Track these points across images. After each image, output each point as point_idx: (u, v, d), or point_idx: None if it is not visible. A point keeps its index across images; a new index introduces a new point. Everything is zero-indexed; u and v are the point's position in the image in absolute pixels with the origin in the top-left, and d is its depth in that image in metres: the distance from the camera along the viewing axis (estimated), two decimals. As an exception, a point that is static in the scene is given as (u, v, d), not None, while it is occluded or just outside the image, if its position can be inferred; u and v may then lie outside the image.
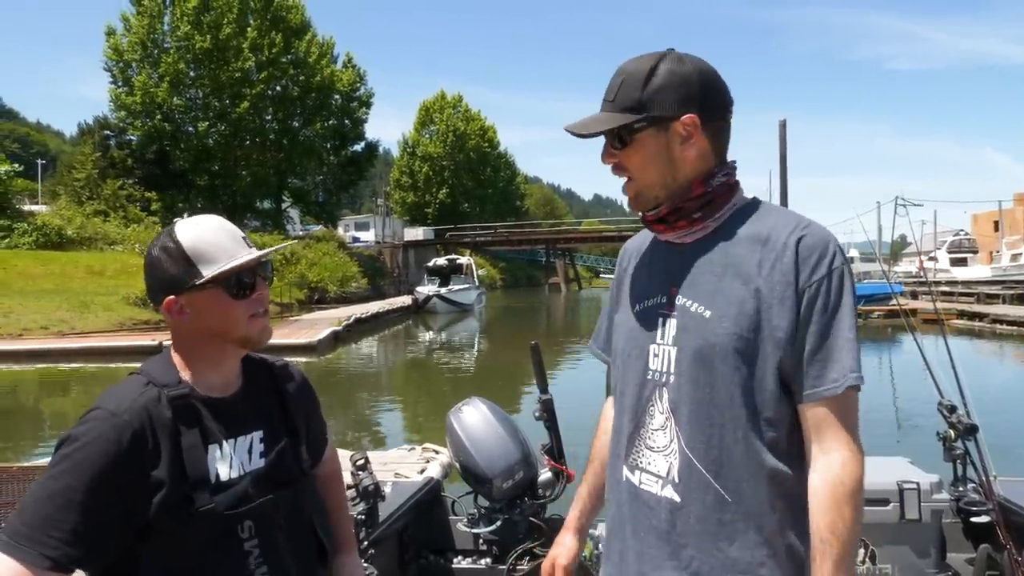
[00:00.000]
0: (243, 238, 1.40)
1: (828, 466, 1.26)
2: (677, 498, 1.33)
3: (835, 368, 1.27)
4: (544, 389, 3.11)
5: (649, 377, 1.39)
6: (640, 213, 1.44)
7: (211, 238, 1.36)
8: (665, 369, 1.36)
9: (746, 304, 1.29)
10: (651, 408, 1.38)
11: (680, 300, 1.36)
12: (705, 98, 1.35)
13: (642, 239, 1.57)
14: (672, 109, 1.33)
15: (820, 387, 1.27)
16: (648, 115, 1.32)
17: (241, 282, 1.37)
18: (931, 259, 46.13)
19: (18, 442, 10.12)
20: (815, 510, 1.26)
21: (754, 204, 1.41)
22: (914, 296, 27.14)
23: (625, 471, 1.43)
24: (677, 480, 1.34)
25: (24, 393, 15.04)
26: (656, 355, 1.38)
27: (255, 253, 1.39)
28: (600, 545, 2.86)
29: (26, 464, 6.48)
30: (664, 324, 1.38)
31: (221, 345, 1.39)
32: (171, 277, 1.34)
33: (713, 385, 1.30)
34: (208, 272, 1.33)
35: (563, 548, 1.63)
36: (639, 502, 1.39)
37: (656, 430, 1.37)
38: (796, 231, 1.31)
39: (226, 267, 1.34)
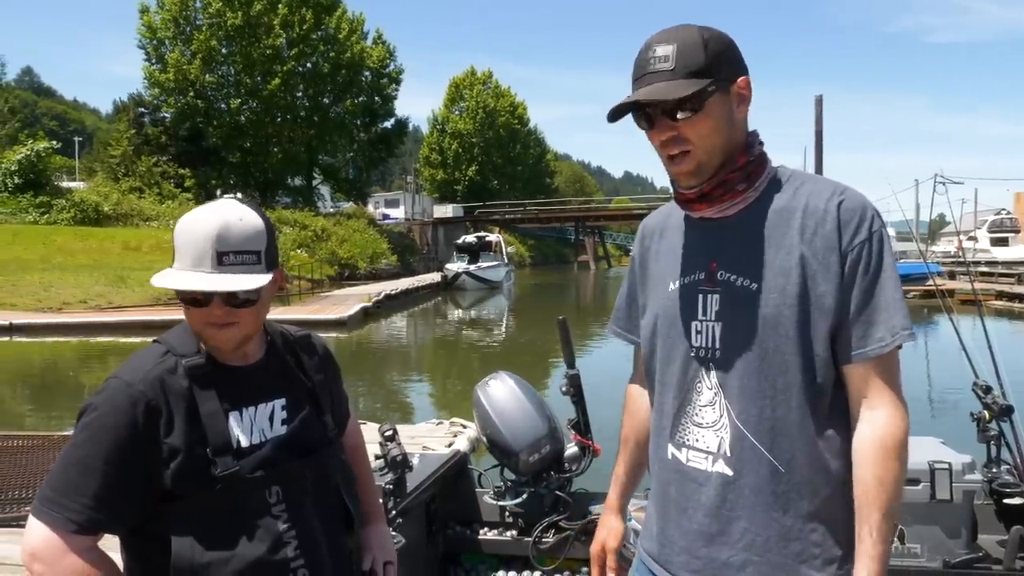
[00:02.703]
0: (223, 254, 1.30)
1: (874, 421, 1.29)
2: (730, 472, 1.34)
3: (881, 327, 1.28)
4: (571, 364, 3.10)
5: (693, 354, 1.38)
6: (676, 191, 1.41)
7: (187, 238, 1.31)
8: (710, 345, 1.36)
9: (792, 273, 1.29)
10: (698, 385, 1.38)
11: (722, 275, 1.36)
12: (743, 61, 1.37)
13: (661, 218, 1.55)
14: (730, 72, 1.33)
15: (867, 347, 1.28)
16: (717, 78, 1.30)
17: (186, 294, 1.32)
18: (971, 239, 45.08)
19: (59, 412, 10.47)
20: (861, 463, 1.29)
21: (785, 172, 1.41)
22: (951, 276, 26.58)
23: (671, 449, 1.42)
24: (729, 454, 1.34)
25: (64, 365, 15.44)
26: (699, 332, 1.37)
27: (197, 287, 1.29)
28: (632, 520, 2.87)
29: (66, 433, 6.69)
30: (705, 300, 1.37)
31: None
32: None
33: (764, 357, 1.31)
34: (173, 264, 1.33)
35: (610, 530, 1.67)
36: (687, 479, 1.39)
37: (704, 406, 1.37)
38: (834, 196, 1.32)
39: (165, 279, 1.31)
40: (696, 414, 1.38)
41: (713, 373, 1.36)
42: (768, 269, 1.31)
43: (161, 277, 1.32)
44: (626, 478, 1.67)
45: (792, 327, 1.29)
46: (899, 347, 1.30)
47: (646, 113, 1.33)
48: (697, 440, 1.38)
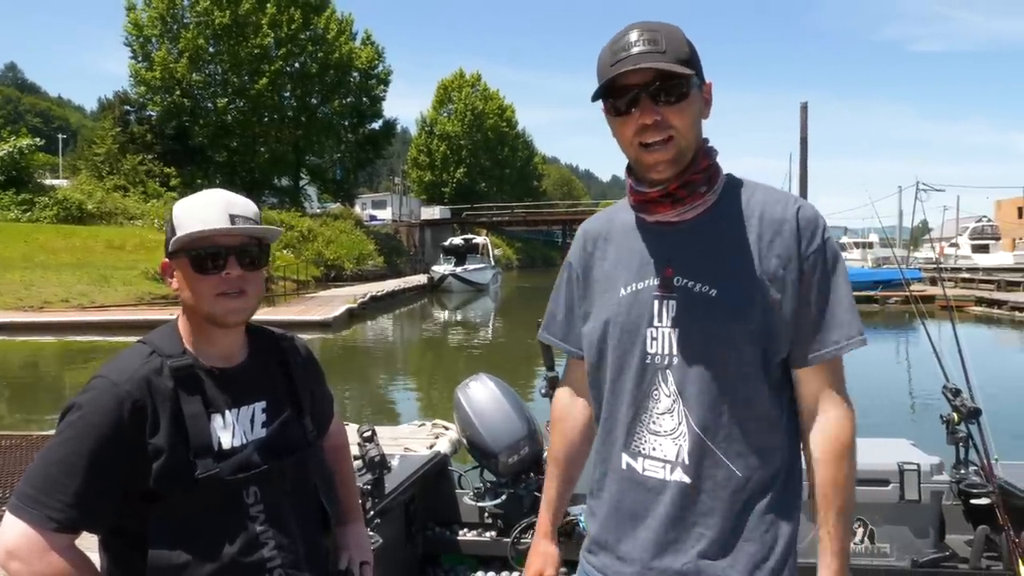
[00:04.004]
0: (235, 216, 1.36)
1: (826, 424, 1.33)
2: (687, 479, 1.32)
3: (835, 332, 1.31)
4: (551, 367, 3.14)
5: (649, 361, 1.35)
6: (637, 193, 1.38)
7: (194, 208, 1.37)
8: (667, 352, 1.33)
9: (752, 280, 1.30)
10: (654, 392, 1.35)
11: (680, 281, 1.34)
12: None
13: (603, 223, 1.50)
14: (702, 74, 1.34)
15: (823, 350, 1.32)
16: (698, 74, 1.31)
17: (204, 256, 1.35)
18: (952, 245, 45.56)
19: (38, 412, 10.38)
20: (817, 465, 1.33)
21: (736, 179, 1.42)
22: (933, 282, 26.83)
23: (625, 458, 1.39)
24: (687, 462, 1.32)
25: (44, 365, 15.29)
26: (655, 338, 1.34)
27: (220, 227, 1.34)
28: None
29: (46, 432, 6.64)
30: (661, 306, 1.34)
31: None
32: (166, 241, 1.39)
33: (724, 363, 1.30)
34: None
35: (546, 557, 1.59)
36: (642, 489, 1.37)
37: (662, 414, 1.34)
38: (790, 205, 1.34)
39: (182, 234, 1.34)
40: (653, 422, 1.35)
41: (671, 380, 1.33)
42: (727, 276, 1.31)
43: (179, 236, 1.34)
44: (558, 501, 1.61)
45: (752, 333, 1.29)
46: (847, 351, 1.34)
47: (626, 97, 1.28)
48: (654, 449, 1.35)
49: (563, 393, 1.63)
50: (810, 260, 1.31)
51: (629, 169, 1.41)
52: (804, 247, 1.31)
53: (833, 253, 1.33)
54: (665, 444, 1.35)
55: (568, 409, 1.60)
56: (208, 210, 1.36)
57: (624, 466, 1.40)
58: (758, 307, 1.30)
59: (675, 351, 1.33)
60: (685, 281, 1.34)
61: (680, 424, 1.33)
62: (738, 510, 1.32)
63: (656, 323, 1.35)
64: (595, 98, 1.33)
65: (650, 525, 1.36)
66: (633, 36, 1.28)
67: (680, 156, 1.31)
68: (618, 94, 1.30)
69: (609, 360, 1.41)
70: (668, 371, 1.34)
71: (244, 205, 1.40)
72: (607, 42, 1.33)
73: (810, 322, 1.31)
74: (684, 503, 1.33)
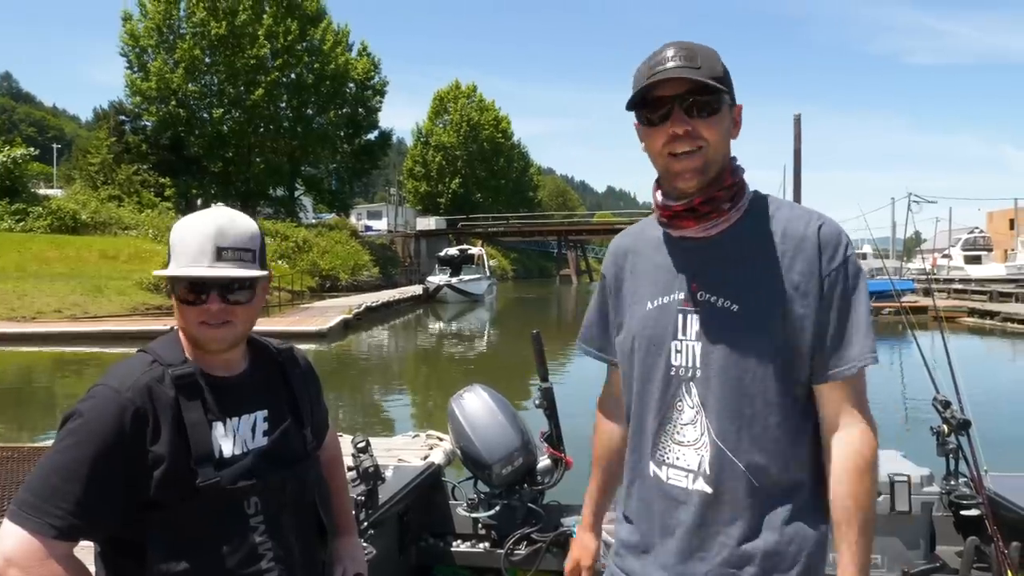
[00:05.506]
0: (223, 249, 1.35)
1: (846, 439, 1.34)
2: (709, 489, 1.36)
3: (853, 349, 1.33)
4: (544, 378, 3.15)
5: (673, 373, 1.40)
6: (663, 207, 1.42)
7: (185, 237, 1.37)
8: (690, 364, 1.38)
9: (773, 295, 1.33)
10: (678, 403, 1.39)
11: (703, 295, 1.38)
12: None
13: (634, 238, 1.56)
14: (734, 96, 1.38)
15: (840, 367, 1.33)
16: (730, 93, 1.35)
17: (185, 289, 1.37)
18: (945, 256, 45.79)
19: (30, 423, 10.30)
20: (837, 480, 1.33)
21: (762, 196, 1.45)
22: (926, 293, 26.95)
23: (652, 467, 1.44)
24: (708, 472, 1.36)
25: (37, 375, 15.22)
26: (679, 351, 1.39)
27: (196, 273, 1.34)
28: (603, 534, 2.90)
29: (37, 444, 6.60)
30: (685, 320, 1.39)
31: None
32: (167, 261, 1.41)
33: (743, 377, 1.33)
34: (169, 266, 1.37)
35: (585, 549, 1.70)
36: (667, 498, 1.41)
37: (685, 425, 1.39)
38: (813, 222, 1.37)
39: (167, 272, 1.36)
40: (677, 432, 1.40)
41: (695, 392, 1.37)
42: (749, 291, 1.35)
43: (162, 271, 1.36)
44: (599, 495, 1.71)
45: (772, 348, 1.32)
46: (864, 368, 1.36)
47: (660, 109, 1.33)
48: (678, 458, 1.40)
49: (604, 400, 1.70)
50: (831, 277, 1.33)
51: (657, 183, 1.45)
52: (825, 264, 1.33)
53: (855, 271, 1.35)
54: (688, 454, 1.39)
55: (607, 418, 1.69)
56: (196, 244, 1.35)
57: (651, 474, 1.44)
58: (779, 323, 1.33)
59: (698, 364, 1.38)
60: (708, 296, 1.38)
61: (703, 435, 1.37)
62: (760, 521, 1.35)
63: (680, 336, 1.40)
64: (630, 107, 1.37)
65: (676, 532, 1.40)
66: (670, 52, 1.32)
67: (707, 166, 1.34)
68: (652, 106, 1.34)
69: (636, 371, 1.46)
70: (692, 383, 1.38)
71: (236, 236, 1.38)
72: (645, 58, 1.37)
73: (830, 339, 1.33)
74: (706, 512, 1.37)
